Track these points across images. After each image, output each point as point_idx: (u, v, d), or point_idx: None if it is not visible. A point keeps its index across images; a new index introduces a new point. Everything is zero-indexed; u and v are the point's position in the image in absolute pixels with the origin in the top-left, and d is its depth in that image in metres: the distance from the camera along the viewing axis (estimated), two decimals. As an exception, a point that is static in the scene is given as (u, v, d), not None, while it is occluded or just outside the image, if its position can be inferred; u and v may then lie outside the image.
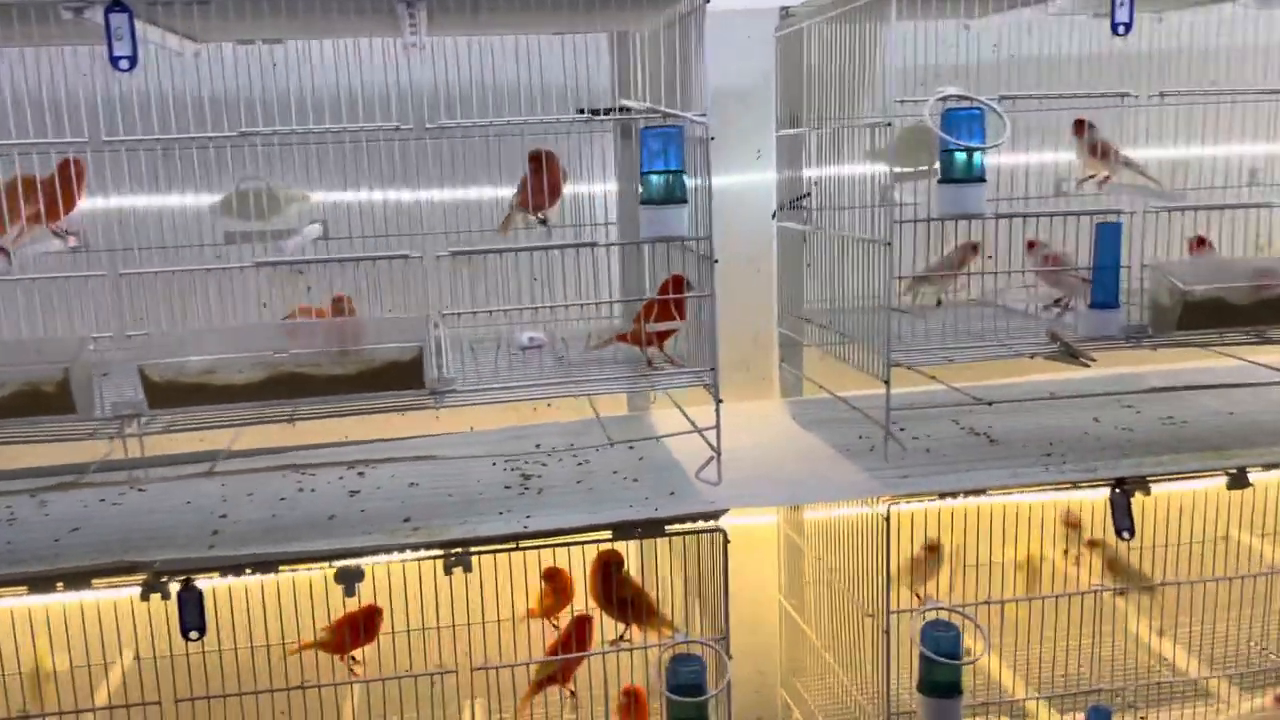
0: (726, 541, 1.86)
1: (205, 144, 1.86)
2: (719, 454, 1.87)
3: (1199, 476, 1.99)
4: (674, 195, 1.71)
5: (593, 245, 1.78)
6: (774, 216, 2.48)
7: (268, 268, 1.83)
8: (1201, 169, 2.27)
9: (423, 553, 1.78)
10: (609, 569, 2.03)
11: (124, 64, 1.61)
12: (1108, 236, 1.86)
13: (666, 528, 1.85)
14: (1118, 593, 2.34)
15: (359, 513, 1.93)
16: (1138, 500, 1.96)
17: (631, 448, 2.24)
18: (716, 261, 1.79)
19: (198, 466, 2.14)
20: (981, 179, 1.79)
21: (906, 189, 2.24)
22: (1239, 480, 1.98)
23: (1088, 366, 1.86)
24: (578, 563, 2.01)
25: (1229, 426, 2.20)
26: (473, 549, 1.80)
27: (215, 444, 2.19)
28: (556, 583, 2.19)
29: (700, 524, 1.85)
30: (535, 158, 1.94)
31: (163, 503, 2.01)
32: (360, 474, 2.17)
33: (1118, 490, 1.95)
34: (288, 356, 1.63)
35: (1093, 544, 2.35)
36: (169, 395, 1.63)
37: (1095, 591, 2.16)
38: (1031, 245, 2.11)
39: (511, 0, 1.76)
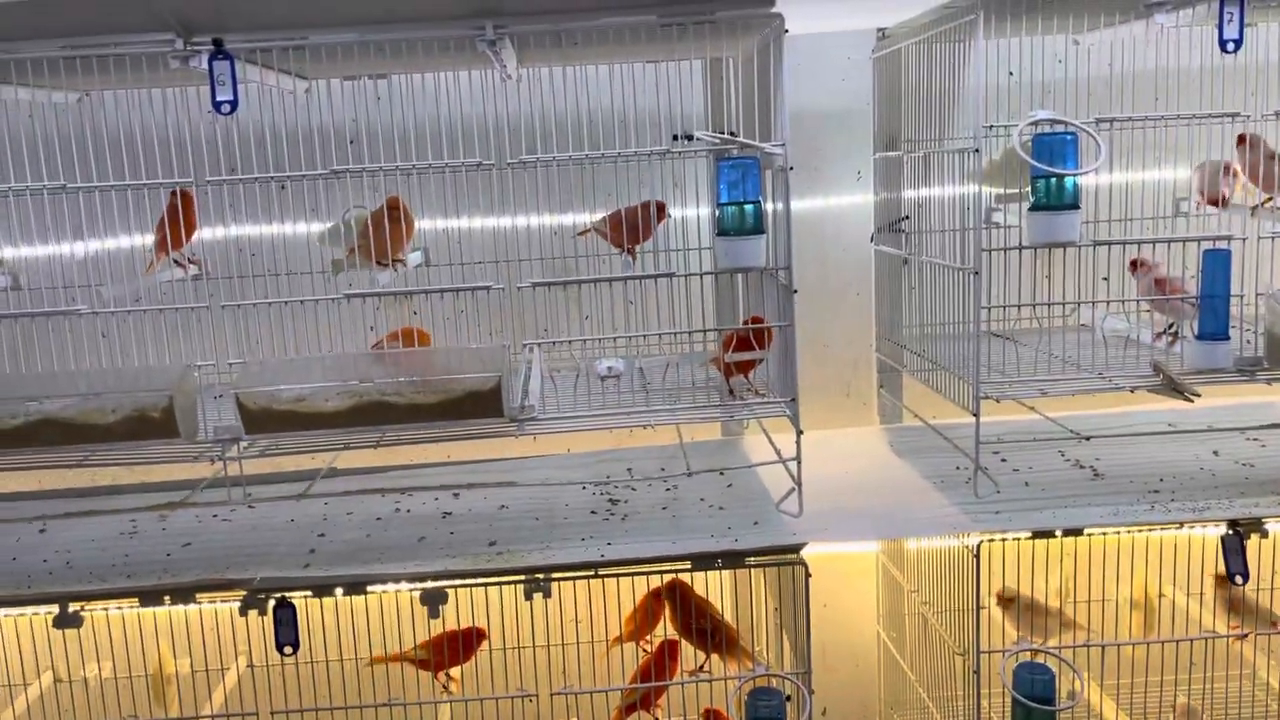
0: (808, 575, 1.83)
1: (310, 179, 1.94)
2: (799, 485, 1.85)
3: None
4: (749, 226, 1.70)
5: (670, 275, 1.78)
6: (872, 239, 2.43)
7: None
8: None
9: (505, 577, 1.82)
10: (675, 597, 2.02)
11: (225, 108, 1.70)
12: (1216, 264, 1.76)
13: (747, 559, 1.84)
14: (1238, 638, 2.20)
15: (448, 535, 1.98)
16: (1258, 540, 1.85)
17: (721, 474, 2.23)
18: (796, 291, 1.77)
19: (300, 485, 2.24)
20: (1074, 205, 1.72)
21: (1010, 211, 2.18)
22: (1369, 524, 1.84)
23: (1191, 402, 1.76)
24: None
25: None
26: (552, 575, 1.83)
27: (321, 463, 2.29)
28: (654, 605, 2.19)
29: (781, 556, 1.83)
30: (659, 206, 1.97)
31: (268, 520, 2.11)
32: (455, 495, 2.23)
33: (1231, 532, 1.84)
34: (372, 386, 1.69)
35: (1219, 579, 2.21)
36: (263, 421, 1.72)
37: (1208, 638, 2.03)
38: (1136, 265, 2.00)
39: (590, 34, 1.77)
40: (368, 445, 1.80)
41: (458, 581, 1.83)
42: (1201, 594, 2.32)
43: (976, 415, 1.84)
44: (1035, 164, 1.68)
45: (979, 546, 1.85)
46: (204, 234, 2.17)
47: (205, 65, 1.72)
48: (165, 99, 1.98)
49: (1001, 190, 2.18)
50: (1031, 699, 1.84)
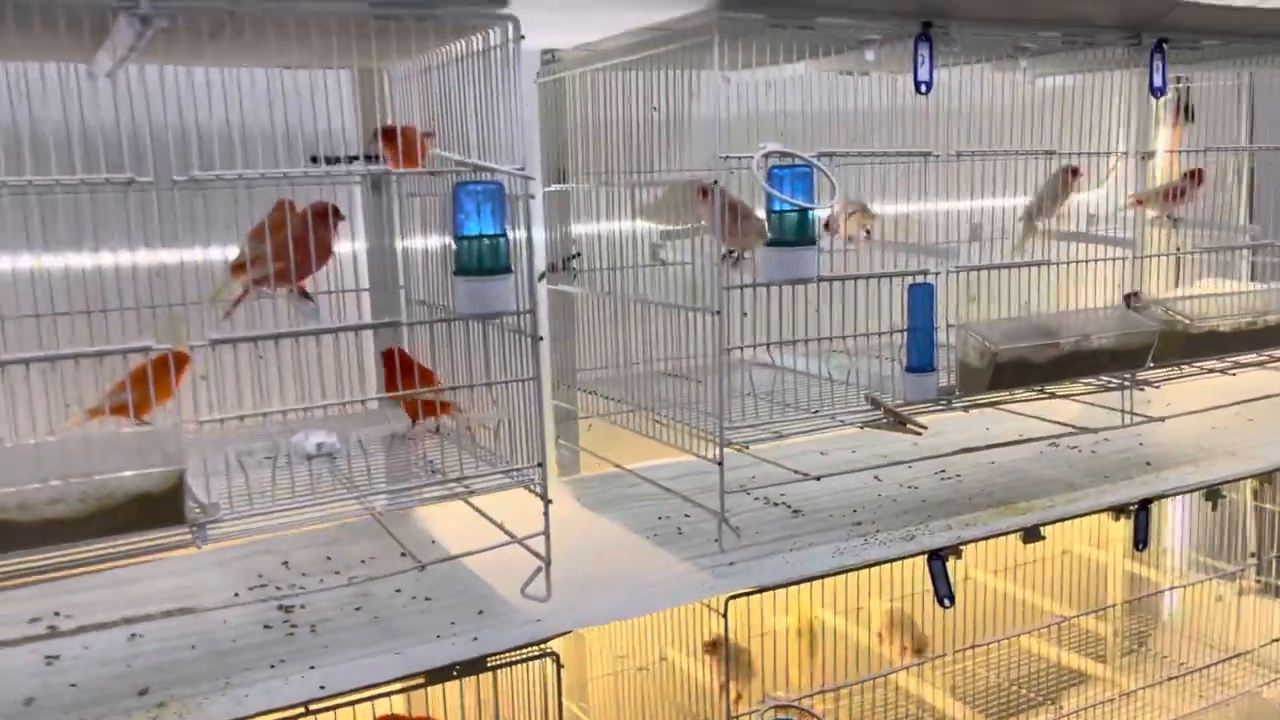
0: (560, 668, 1.58)
1: None
2: (548, 565, 1.59)
3: (1005, 534, 1.98)
4: (500, 264, 1.42)
5: (397, 324, 1.44)
6: (541, 278, 2.22)
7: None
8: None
9: (180, 739, 1.35)
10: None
11: None
12: (920, 298, 1.81)
13: (488, 662, 1.54)
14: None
15: (68, 687, 1.45)
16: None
17: (404, 555, 1.88)
18: (541, 339, 1.53)
19: None
20: (813, 240, 1.67)
21: (673, 249, 2.11)
22: (1033, 534, 2.00)
23: (919, 434, 1.79)
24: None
25: (1007, 481, 2.20)
26: (245, 723, 1.39)
27: None
28: None
29: (526, 652, 1.56)
30: (320, 212, 1.56)
31: None
32: (51, 627, 1.65)
33: (935, 559, 1.90)
34: (-16, 499, 1.16)
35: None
36: None
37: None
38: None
39: (261, 24, 1.39)
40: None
41: (111, 757, 1.32)
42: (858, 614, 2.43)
43: (720, 463, 1.72)
44: (780, 197, 1.60)
45: (727, 606, 1.73)
46: None
47: None
48: None
49: (665, 227, 2.12)
50: (783, 757, 1.75)
